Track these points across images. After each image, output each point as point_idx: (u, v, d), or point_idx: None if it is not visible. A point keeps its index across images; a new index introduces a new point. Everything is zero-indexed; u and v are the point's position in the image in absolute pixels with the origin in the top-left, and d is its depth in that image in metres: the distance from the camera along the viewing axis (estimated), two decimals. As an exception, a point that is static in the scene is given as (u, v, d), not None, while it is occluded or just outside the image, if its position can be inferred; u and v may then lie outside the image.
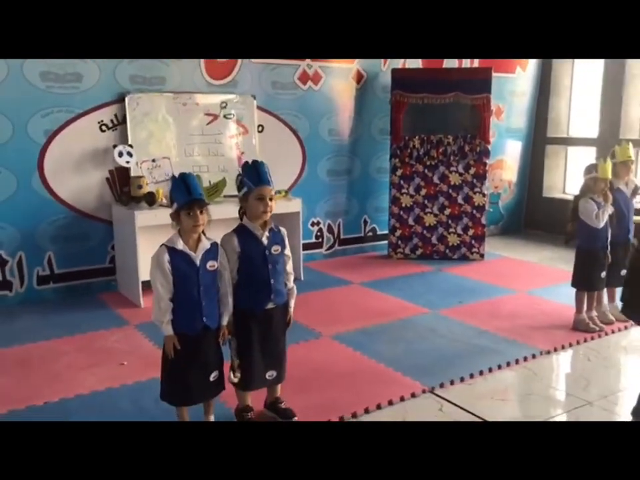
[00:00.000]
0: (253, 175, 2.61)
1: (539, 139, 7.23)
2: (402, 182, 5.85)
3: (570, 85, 7.16)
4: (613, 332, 4.04)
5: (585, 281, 4.01)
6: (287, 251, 2.76)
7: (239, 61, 5.17)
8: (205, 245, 2.54)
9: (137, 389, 3.17)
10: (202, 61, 5.01)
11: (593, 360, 3.62)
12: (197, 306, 2.52)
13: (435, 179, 5.84)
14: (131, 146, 4.70)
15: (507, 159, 7.11)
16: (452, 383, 3.27)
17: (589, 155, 6.62)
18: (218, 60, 5.08)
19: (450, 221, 5.90)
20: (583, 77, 7.04)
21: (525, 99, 7.09)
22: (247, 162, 2.69)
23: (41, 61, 4.35)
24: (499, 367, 3.46)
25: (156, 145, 4.89)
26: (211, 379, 2.63)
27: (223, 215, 4.51)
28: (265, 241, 2.64)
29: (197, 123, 5.05)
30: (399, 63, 6.02)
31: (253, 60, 5.22)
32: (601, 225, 3.83)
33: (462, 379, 3.31)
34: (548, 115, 7.15)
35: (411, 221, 5.92)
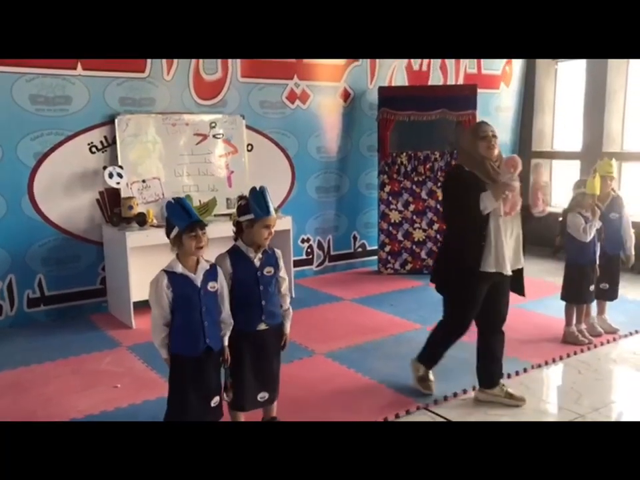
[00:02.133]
0: (262, 204, 2.63)
1: (524, 153, 7.30)
2: (390, 198, 5.91)
3: (553, 100, 7.29)
4: (602, 344, 4.09)
5: (574, 294, 4.07)
6: (282, 273, 2.79)
7: (227, 80, 5.22)
8: (205, 266, 2.56)
9: (132, 411, 3.16)
10: (191, 81, 5.05)
11: (584, 372, 3.67)
12: (200, 327, 2.52)
13: (423, 195, 5.90)
14: (121, 167, 4.71)
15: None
16: (445, 398, 3.31)
17: (573, 169, 6.74)
18: (206, 79, 5.12)
19: (439, 236, 5.95)
20: (566, 92, 7.17)
21: (510, 114, 7.20)
22: (254, 188, 2.69)
23: (30, 84, 4.37)
24: (492, 382, 3.49)
25: (146, 165, 4.91)
26: (212, 404, 2.63)
27: (212, 234, 4.51)
28: (257, 262, 2.67)
29: (187, 142, 5.07)
30: (385, 81, 6.10)
31: (240, 79, 5.27)
32: (588, 238, 3.90)
33: (455, 395, 3.35)
34: (532, 129, 7.27)
35: (400, 237, 5.97)
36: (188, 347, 2.52)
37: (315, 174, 5.86)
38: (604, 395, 3.36)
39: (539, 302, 4.92)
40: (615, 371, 3.73)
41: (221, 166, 5.25)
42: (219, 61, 5.15)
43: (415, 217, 5.94)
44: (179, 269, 2.50)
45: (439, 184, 5.86)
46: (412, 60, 6.26)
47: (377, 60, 6.03)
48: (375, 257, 6.14)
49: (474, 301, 3.16)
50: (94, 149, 4.71)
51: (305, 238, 5.91)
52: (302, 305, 4.99)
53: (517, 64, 7.11)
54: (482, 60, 6.78)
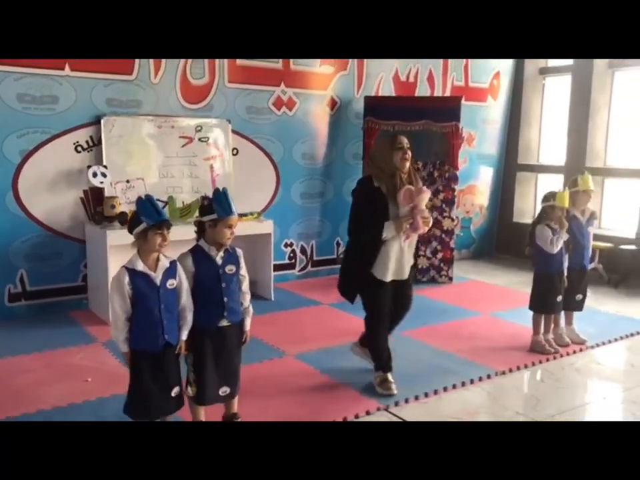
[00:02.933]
0: (225, 204, 2.72)
1: (510, 166, 7.43)
2: (373, 205, 5.99)
3: (540, 114, 7.39)
4: (568, 354, 4.16)
5: (541, 304, 4.15)
6: (243, 271, 2.87)
7: (214, 85, 5.32)
8: (165, 264, 2.64)
9: (99, 404, 3.24)
10: (178, 85, 5.15)
11: (546, 381, 3.75)
12: (159, 324, 2.60)
13: (406, 203, 5.98)
14: (105, 167, 4.80)
15: (478, 185, 7.30)
16: (407, 401, 3.38)
17: (557, 182, 6.83)
18: (193, 84, 5.22)
19: (420, 244, 6.02)
20: (553, 106, 7.27)
21: (497, 127, 7.30)
22: (217, 189, 2.79)
23: (17, 83, 4.47)
24: (454, 387, 3.57)
25: (131, 166, 5.00)
26: (173, 394, 2.71)
27: (191, 234, 4.58)
28: (219, 261, 2.75)
29: (172, 145, 5.17)
30: (372, 91, 6.20)
31: (227, 84, 5.37)
32: (555, 250, 3.98)
33: (417, 398, 3.42)
34: (519, 142, 7.36)
35: (381, 244, 6.05)
36: (147, 342, 2.60)
37: (300, 180, 5.95)
38: (562, 403, 3.42)
39: (513, 312, 5.00)
40: (577, 380, 3.79)
41: (205, 169, 5.34)
42: (206, 65, 5.25)
43: (396, 225, 6.02)
44: (140, 266, 2.58)
45: (421, 193, 5.95)
46: (399, 70, 6.36)
47: (364, 69, 6.13)
48: (357, 264, 6.21)
49: (379, 303, 3.50)
50: (79, 148, 4.81)
51: (288, 242, 5.99)
52: (280, 308, 5.09)
53: (505, 77, 7.22)
54: (469, 72, 6.88)
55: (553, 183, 6.95)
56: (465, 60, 6.81)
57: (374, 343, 3.64)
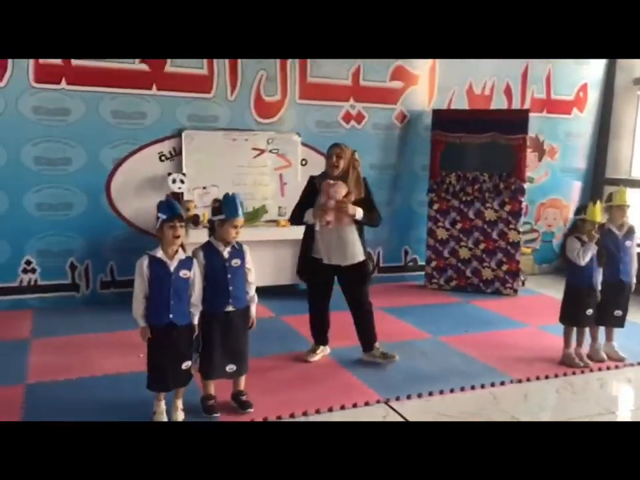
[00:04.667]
0: (232, 207, 3.18)
1: (597, 180, 7.18)
2: (438, 215, 6.16)
3: (634, 126, 7.08)
4: (599, 369, 4.11)
5: (570, 316, 4.14)
6: (249, 265, 3.28)
7: (286, 101, 5.81)
8: (181, 256, 3.13)
9: (140, 375, 3.78)
10: (252, 102, 5.70)
11: (561, 392, 3.76)
12: (166, 304, 3.08)
13: (471, 214, 6.08)
14: (184, 174, 5.45)
15: (562, 198, 7.13)
16: (409, 397, 3.59)
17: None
18: (266, 100, 5.74)
19: (484, 255, 6.10)
20: (647, 119, 6.95)
21: (583, 140, 7.10)
22: (227, 193, 3.25)
23: (112, 101, 5.23)
24: (462, 389, 3.72)
25: (207, 174, 5.61)
26: (183, 367, 3.18)
27: (258, 237, 5.11)
28: (226, 255, 3.19)
29: (245, 156, 5.72)
30: (444, 104, 6.37)
31: (298, 101, 5.84)
32: (583, 262, 3.96)
33: (419, 395, 3.62)
34: (607, 156, 7.10)
35: (446, 253, 6.19)
36: (154, 317, 3.08)
37: (368, 189, 6.25)
38: (563, 413, 3.45)
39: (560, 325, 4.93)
40: (596, 394, 3.75)
41: (275, 178, 5.84)
42: (279, 83, 5.75)
43: (461, 235, 6.13)
44: (159, 254, 3.09)
45: (487, 204, 6.03)
46: (473, 84, 6.46)
47: (435, 84, 6.31)
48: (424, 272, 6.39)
49: (313, 281, 4.11)
50: (163, 158, 5.50)
51: (355, 248, 6.30)
52: (331, 308, 5.40)
53: (593, 89, 7.01)
54: (551, 84, 6.79)
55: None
56: (546, 72, 6.74)
57: (310, 316, 4.21)
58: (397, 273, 6.55)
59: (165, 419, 3.19)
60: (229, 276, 3.19)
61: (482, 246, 6.09)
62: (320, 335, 4.22)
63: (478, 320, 5.21)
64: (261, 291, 5.84)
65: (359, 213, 3.86)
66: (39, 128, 5.07)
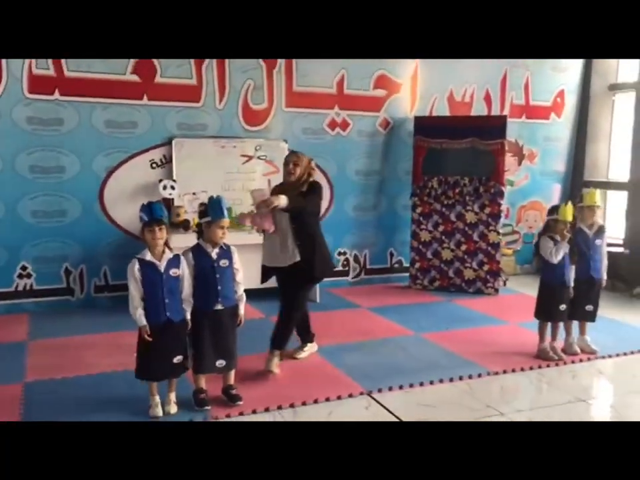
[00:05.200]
0: (217, 209, 3.37)
1: (576, 182, 7.42)
2: (421, 218, 6.37)
3: (610, 130, 7.33)
4: (573, 362, 4.32)
5: (544, 312, 4.36)
6: (237, 265, 3.47)
7: (273, 109, 6.01)
8: (169, 255, 3.31)
9: (133, 373, 3.95)
10: (240, 110, 5.90)
11: (535, 383, 3.97)
12: (161, 303, 3.27)
13: (452, 217, 6.30)
14: (174, 181, 5.64)
15: (542, 201, 7.37)
16: (390, 389, 3.78)
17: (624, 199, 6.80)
18: (254, 108, 5.95)
19: (466, 256, 6.31)
20: (623, 123, 7.19)
21: (561, 144, 7.35)
22: (212, 196, 3.45)
23: (105, 111, 5.42)
24: (441, 381, 3.92)
25: (197, 180, 5.79)
26: (175, 361, 3.36)
27: (247, 240, 5.33)
28: (214, 256, 3.38)
29: (234, 162, 5.91)
30: (426, 111, 6.59)
31: (284, 109, 6.04)
32: (555, 260, 4.18)
33: (401, 387, 3.81)
34: (585, 159, 7.35)
35: (429, 255, 6.40)
36: (152, 317, 3.27)
37: (353, 194, 6.47)
38: (537, 401, 3.66)
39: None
40: (568, 384, 3.95)
41: (263, 183, 6.01)
42: (266, 92, 5.96)
43: (443, 237, 6.34)
44: (148, 256, 3.27)
45: (467, 207, 6.25)
46: (454, 91, 6.69)
47: (417, 91, 6.54)
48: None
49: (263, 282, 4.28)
50: (154, 165, 5.68)
51: (342, 251, 6.51)
52: (320, 309, 5.60)
53: (570, 95, 7.27)
54: (530, 91, 7.04)
55: (621, 199, 6.92)
56: (524, 79, 6.99)
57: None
58: (382, 275, 6.75)
59: (160, 413, 3.36)
60: (218, 276, 3.37)
61: (463, 247, 6.31)
62: (303, 334, 4.38)
63: (459, 318, 5.41)
64: (250, 292, 6.03)
65: (282, 200, 3.74)
66: (33, 137, 5.24)
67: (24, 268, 5.39)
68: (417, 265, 6.45)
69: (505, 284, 6.69)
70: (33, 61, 5.15)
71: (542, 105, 7.16)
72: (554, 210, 4.27)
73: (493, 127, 6.15)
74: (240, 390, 3.61)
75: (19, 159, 5.24)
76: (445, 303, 5.96)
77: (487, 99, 6.88)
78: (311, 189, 4.00)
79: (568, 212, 4.16)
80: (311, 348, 4.41)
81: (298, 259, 3.94)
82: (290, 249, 3.95)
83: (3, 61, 5.07)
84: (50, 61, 5.20)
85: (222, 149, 5.88)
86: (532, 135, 7.14)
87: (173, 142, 5.68)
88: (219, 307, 3.40)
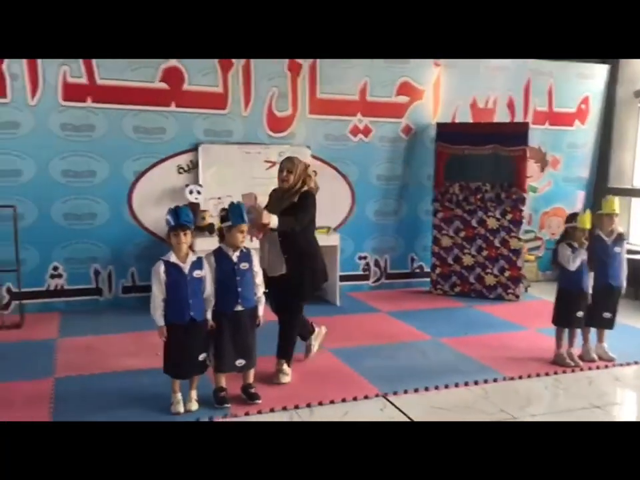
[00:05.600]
0: (237, 214, 3.50)
1: (601, 189, 7.38)
2: (442, 224, 6.43)
3: (635, 138, 7.29)
4: (590, 369, 4.34)
5: (561, 318, 4.39)
6: (257, 268, 3.60)
7: (297, 116, 6.14)
8: (192, 258, 3.45)
9: (157, 372, 4.10)
10: (264, 117, 6.04)
11: (550, 388, 4.01)
12: (185, 303, 3.40)
13: (474, 223, 6.34)
14: (200, 185, 5.80)
15: (565, 207, 7.35)
16: (406, 392, 3.86)
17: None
18: (278, 115, 6.08)
19: (487, 262, 6.34)
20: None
21: (585, 151, 7.34)
22: (232, 202, 3.57)
23: (134, 117, 5.61)
24: (456, 385, 3.98)
25: (222, 185, 5.95)
26: (200, 358, 3.50)
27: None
28: (235, 259, 3.50)
29: (258, 168, 6.05)
30: (448, 118, 6.65)
31: (308, 115, 6.17)
32: (573, 267, 4.21)
33: (416, 390, 3.89)
34: (610, 166, 7.32)
35: (450, 260, 6.45)
36: (176, 317, 3.41)
37: (375, 199, 6.55)
38: (549, 406, 3.70)
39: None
40: (583, 390, 3.98)
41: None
42: (290, 99, 6.09)
43: (464, 243, 6.39)
44: (172, 258, 3.41)
45: (489, 213, 6.29)
46: (477, 98, 6.74)
47: (440, 99, 6.60)
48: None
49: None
50: (181, 170, 5.85)
51: (362, 255, 6.60)
52: (340, 312, 5.73)
53: (595, 101, 7.25)
54: (553, 98, 7.04)
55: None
56: (548, 86, 7.00)
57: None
58: (403, 280, 6.82)
59: (182, 409, 3.49)
60: (238, 278, 3.50)
61: (485, 253, 6.34)
62: (305, 336, 4.33)
63: (479, 323, 5.46)
64: (268, 295, 6.15)
65: (273, 221, 3.70)
66: (67, 143, 5.46)
67: (55, 268, 5.61)
68: (438, 271, 6.50)
69: (526, 290, 6.70)
70: (68, 69, 5.36)
71: (566, 111, 7.16)
72: (572, 217, 4.31)
73: (515, 134, 6.18)
74: (259, 389, 3.73)
75: (53, 164, 5.45)
76: (465, 309, 6.01)
77: (510, 105, 6.91)
78: (302, 201, 3.90)
79: (586, 220, 4.19)
80: (318, 335, 4.40)
81: (282, 271, 3.87)
82: (280, 260, 3.88)
83: (40, 70, 5.29)
84: (83, 69, 5.41)
85: (247, 155, 6.03)
86: (555, 142, 7.14)
87: (200, 148, 5.84)
88: (239, 308, 3.53)
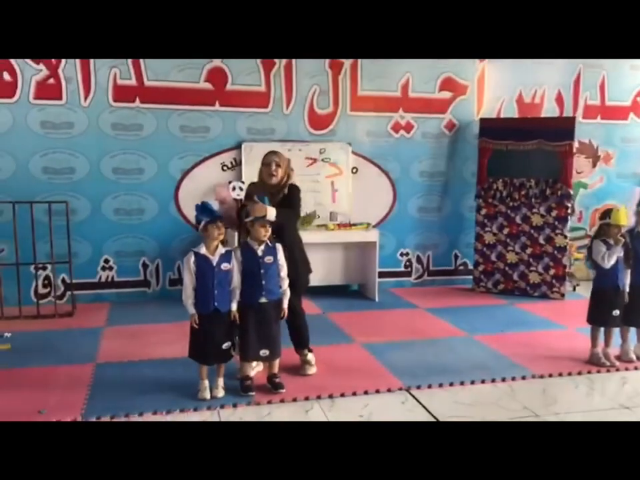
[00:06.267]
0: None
1: (657, 185, 7.09)
2: (486, 220, 6.35)
3: (696, 131, 6.96)
4: (627, 369, 4.21)
5: (596, 317, 4.28)
6: (281, 261, 3.70)
7: (338, 113, 6.21)
8: (221, 250, 3.60)
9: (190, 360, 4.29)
10: (306, 115, 6.14)
11: (580, 388, 3.92)
12: (211, 294, 3.56)
13: (517, 219, 6.23)
14: (243, 182, 5.93)
15: (618, 204, 7.08)
16: (429, 386, 3.87)
17: None
18: (319, 113, 6.17)
19: (531, 260, 6.22)
20: None
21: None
22: (254, 198, 3.69)
23: (180, 117, 5.83)
24: (483, 381, 3.96)
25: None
26: (224, 347, 3.65)
27: (309, 240, 5.68)
28: (260, 252, 3.62)
29: (299, 165, 6.12)
30: (493, 113, 6.56)
31: (349, 112, 6.23)
32: (608, 265, 4.10)
33: (440, 385, 3.89)
34: (667, 161, 7.03)
35: (493, 257, 6.36)
36: (202, 306, 3.57)
37: (417, 195, 6.54)
38: (576, 405, 3.62)
39: (598, 328, 5.03)
40: (615, 391, 3.87)
41: (327, 185, 6.25)
42: (331, 97, 6.16)
43: (508, 240, 6.29)
44: (202, 250, 3.57)
45: (533, 210, 6.16)
46: (523, 93, 6.61)
47: (484, 94, 6.52)
48: (473, 276, 6.59)
49: None
50: (225, 168, 6.04)
51: (404, 252, 6.61)
52: (377, 307, 5.77)
53: (652, 94, 6.97)
54: (606, 91, 6.81)
55: None
56: (600, 78, 6.78)
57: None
58: (446, 277, 6.78)
59: (208, 396, 3.64)
60: (262, 271, 3.62)
61: (529, 250, 6.22)
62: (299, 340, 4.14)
63: (518, 321, 5.38)
64: (311, 290, 6.30)
65: (271, 214, 3.63)
66: (117, 142, 5.74)
67: (106, 261, 5.91)
68: (481, 268, 6.43)
69: (574, 289, 6.53)
70: (118, 72, 5.64)
71: (619, 104, 6.91)
72: (607, 214, 4.20)
73: (561, 129, 6.03)
74: (285, 379, 3.84)
75: (104, 162, 5.75)
76: (506, 306, 5.92)
77: (559, 100, 6.74)
78: (293, 195, 3.92)
79: (621, 216, 4.08)
80: (257, 366, 4.08)
81: None
82: None
83: (92, 73, 5.59)
84: (132, 71, 5.67)
85: (288, 152, 6.09)
86: (608, 136, 6.91)
87: (243, 146, 6.01)
88: (264, 300, 3.65)
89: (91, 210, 5.78)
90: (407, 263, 6.66)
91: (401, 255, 6.61)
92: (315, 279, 6.19)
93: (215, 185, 3.74)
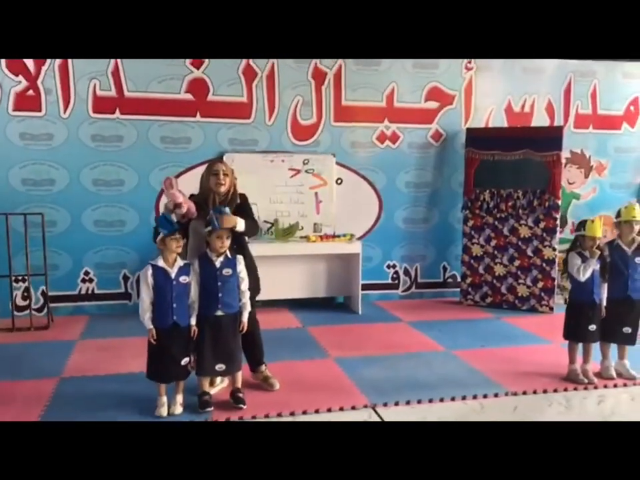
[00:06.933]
0: (217, 220, 3.53)
1: (652, 195, 6.93)
2: (473, 232, 6.22)
3: (692, 140, 6.79)
4: (605, 387, 4.06)
5: (573, 332, 4.14)
6: (242, 274, 3.60)
7: (321, 125, 6.14)
8: (179, 263, 3.52)
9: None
10: (289, 125, 6.07)
11: (554, 406, 3.77)
12: (169, 307, 3.48)
13: (505, 231, 6.10)
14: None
15: (612, 215, 6.91)
16: (397, 403, 3.75)
17: None
18: (302, 124, 6.10)
19: (519, 272, 6.08)
20: None
21: (635, 155, 6.90)
22: (214, 208, 3.61)
23: (161, 128, 5.79)
24: (452, 399, 3.82)
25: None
26: (182, 363, 3.56)
27: (292, 251, 5.50)
28: (218, 264, 3.53)
29: (282, 176, 6.09)
30: (482, 123, 6.45)
31: (333, 123, 6.15)
32: (583, 278, 3.97)
33: (408, 402, 3.77)
34: (662, 171, 6.86)
35: (481, 270, 6.23)
36: (161, 321, 3.48)
37: (403, 206, 6.43)
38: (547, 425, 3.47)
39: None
40: (588, 410, 3.71)
41: (310, 196, 6.16)
42: (314, 108, 6.10)
43: (496, 252, 6.16)
44: (160, 263, 3.49)
45: (521, 221, 6.03)
46: (512, 102, 6.49)
47: (472, 103, 6.41)
48: (462, 288, 6.46)
49: None
50: (206, 179, 5.98)
51: (391, 264, 6.49)
52: (359, 321, 5.66)
53: (645, 103, 6.82)
54: (597, 100, 6.68)
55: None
56: (591, 87, 6.65)
57: None
58: (435, 289, 6.65)
59: (165, 413, 3.55)
60: (219, 284, 3.53)
61: (517, 263, 6.08)
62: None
63: (502, 336, 5.24)
64: (293, 303, 6.20)
65: (240, 225, 3.59)
66: (96, 153, 5.71)
67: (87, 273, 5.87)
68: (469, 280, 6.30)
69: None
70: (97, 83, 5.62)
71: (612, 114, 6.77)
72: (581, 225, 4.06)
73: (548, 138, 5.91)
74: (249, 396, 3.74)
75: (84, 173, 5.71)
76: (493, 320, 5.78)
77: (549, 109, 6.61)
78: (246, 204, 3.87)
79: (596, 228, 3.95)
80: (222, 383, 3.98)
81: None
82: None
83: (72, 84, 5.58)
84: (112, 83, 5.65)
85: (271, 163, 6.08)
86: (601, 146, 6.77)
87: (225, 157, 5.94)
88: (220, 312, 3.55)
89: (71, 221, 5.75)
90: (394, 275, 6.54)
91: (388, 267, 6.49)
92: (297, 292, 6.14)
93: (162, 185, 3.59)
